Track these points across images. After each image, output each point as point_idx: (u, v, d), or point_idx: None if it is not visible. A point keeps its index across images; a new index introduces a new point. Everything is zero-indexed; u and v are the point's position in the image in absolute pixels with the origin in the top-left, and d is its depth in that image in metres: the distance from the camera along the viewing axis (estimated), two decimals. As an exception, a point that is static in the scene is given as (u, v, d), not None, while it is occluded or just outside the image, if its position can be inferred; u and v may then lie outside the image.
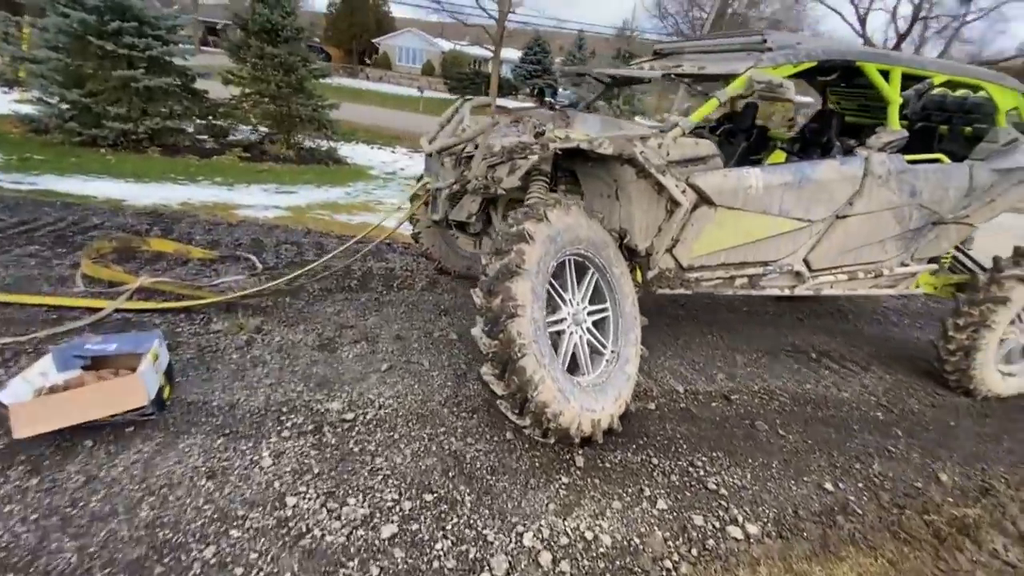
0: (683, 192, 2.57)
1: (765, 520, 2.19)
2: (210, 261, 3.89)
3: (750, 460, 2.55)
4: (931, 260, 3.48)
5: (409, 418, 2.42)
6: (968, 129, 3.50)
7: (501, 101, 29.52)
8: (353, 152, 10.05)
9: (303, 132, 8.99)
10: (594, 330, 2.54)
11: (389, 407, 2.47)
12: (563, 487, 2.16)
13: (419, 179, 3.89)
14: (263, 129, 8.92)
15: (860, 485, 2.51)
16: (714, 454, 2.55)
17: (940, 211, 3.16)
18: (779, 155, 3.38)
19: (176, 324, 2.92)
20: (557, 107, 3.75)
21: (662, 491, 2.24)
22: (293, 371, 2.64)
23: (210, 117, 8.33)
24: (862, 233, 3.04)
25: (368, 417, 2.38)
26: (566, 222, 2.36)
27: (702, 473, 2.40)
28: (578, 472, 2.25)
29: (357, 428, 2.30)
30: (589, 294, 2.57)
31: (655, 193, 2.63)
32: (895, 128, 2.91)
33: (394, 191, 7.56)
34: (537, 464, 2.26)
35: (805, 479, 2.49)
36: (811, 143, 3.48)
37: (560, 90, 38.06)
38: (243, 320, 3.04)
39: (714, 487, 2.32)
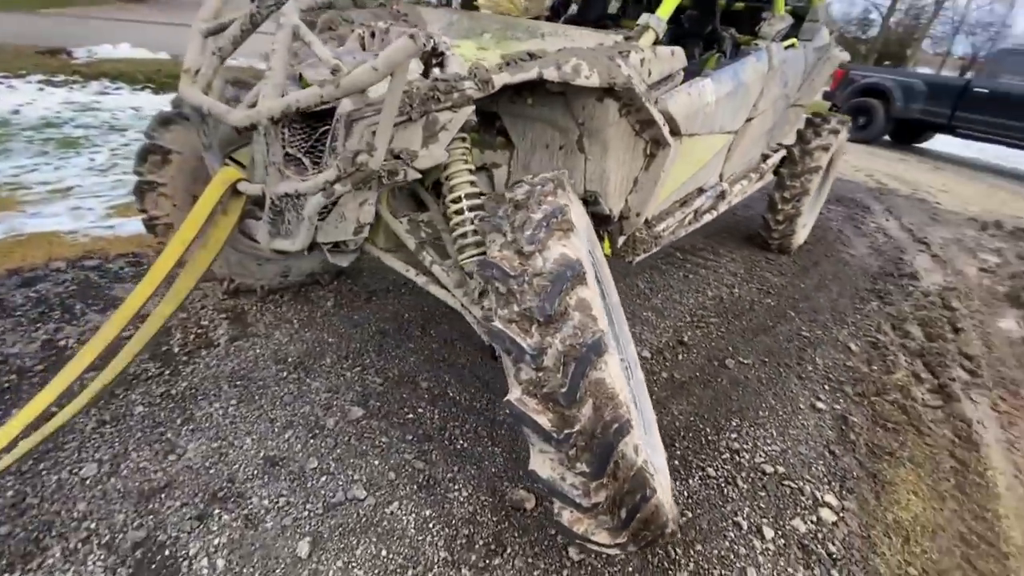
0: (664, 126, 1.86)
1: (827, 479, 2.06)
2: None
3: (758, 412, 2.37)
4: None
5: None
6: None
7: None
8: None
9: None
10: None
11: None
12: (688, 590, 1.55)
13: (145, 155, 2.13)
14: None
15: (827, 388, 2.62)
16: (732, 423, 2.28)
17: (791, 97, 3.23)
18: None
19: None
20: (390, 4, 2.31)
21: (746, 509, 1.86)
22: None
23: None
24: (758, 133, 2.90)
25: None
26: (578, 215, 1.44)
27: (747, 457, 2.10)
28: (686, 566, 1.66)
29: None
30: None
31: (633, 135, 1.85)
32: (781, 13, 2.67)
33: (33, 156, 4.54)
34: (638, 576, 1.57)
35: (801, 405, 2.46)
36: (689, 34, 3.05)
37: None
38: None
39: (770, 470, 2.06)
